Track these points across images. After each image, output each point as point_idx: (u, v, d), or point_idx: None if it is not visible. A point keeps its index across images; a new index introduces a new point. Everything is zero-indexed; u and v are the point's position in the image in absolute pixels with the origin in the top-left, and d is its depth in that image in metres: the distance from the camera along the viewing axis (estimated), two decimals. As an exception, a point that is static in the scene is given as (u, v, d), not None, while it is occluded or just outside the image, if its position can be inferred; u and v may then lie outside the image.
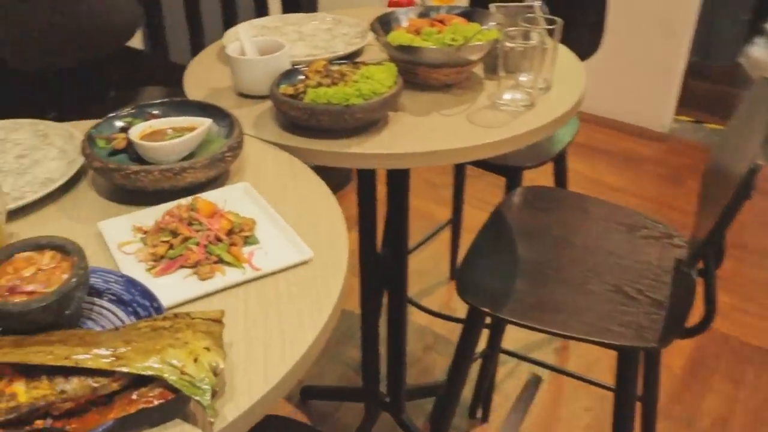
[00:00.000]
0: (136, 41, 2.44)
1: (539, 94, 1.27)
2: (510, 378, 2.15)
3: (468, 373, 1.51)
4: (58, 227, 0.94)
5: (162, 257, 0.86)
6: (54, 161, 1.07)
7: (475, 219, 2.02)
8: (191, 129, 1.03)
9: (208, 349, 0.68)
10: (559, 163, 1.97)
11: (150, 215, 0.93)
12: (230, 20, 2.54)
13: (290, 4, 2.48)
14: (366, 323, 1.89)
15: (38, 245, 0.76)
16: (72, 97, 2.15)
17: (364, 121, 1.14)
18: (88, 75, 2.18)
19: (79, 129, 1.13)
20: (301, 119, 1.13)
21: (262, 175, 1.06)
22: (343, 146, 1.12)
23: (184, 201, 0.94)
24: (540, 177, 2.13)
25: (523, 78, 1.25)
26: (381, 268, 1.78)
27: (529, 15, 1.29)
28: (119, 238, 0.90)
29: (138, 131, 1.01)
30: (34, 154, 1.09)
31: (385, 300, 1.85)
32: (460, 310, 2.38)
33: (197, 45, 2.51)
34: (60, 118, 2.09)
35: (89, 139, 1.02)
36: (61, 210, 0.98)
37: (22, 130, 1.15)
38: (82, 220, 0.96)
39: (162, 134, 1.02)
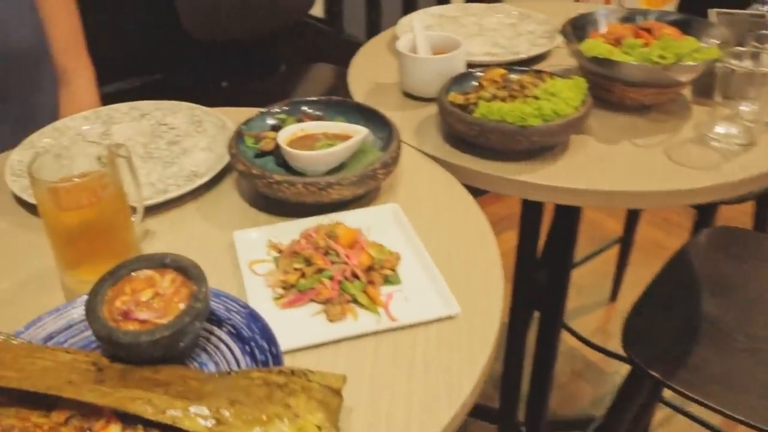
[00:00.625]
0: (317, 10, 2.40)
1: (763, 131, 1.04)
2: (664, 427, 1.92)
3: (621, 433, 1.32)
4: (194, 230, 0.88)
5: (292, 286, 0.77)
6: (203, 152, 1.02)
7: (650, 238, 1.78)
8: (345, 137, 0.92)
9: (320, 429, 0.57)
10: (764, 202, 1.67)
11: (288, 231, 0.84)
12: (409, 4, 2.42)
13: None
14: (512, 339, 1.73)
15: (162, 264, 0.69)
16: (246, 68, 2.15)
17: (541, 144, 0.98)
18: (263, 47, 2.17)
19: (233, 119, 1.07)
20: (468, 135, 0.99)
21: (415, 195, 0.94)
22: (512, 171, 0.97)
23: (326, 220, 0.84)
24: (738, 215, 1.84)
25: (744, 108, 1.03)
26: (537, 287, 1.61)
27: (762, 32, 1.05)
28: (252, 255, 0.82)
29: (288, 134, 0.93)
30: (185, 142, 1.05)
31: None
32: (617, 336, 2.15)
33: (373, 24, 2.42)
34: (231, 88, 2.11)
35: (238, 136, 0.95)
36: (200, 210, 0.92)
37: (179, 114, 1.11)
38: (219, 225, 0.89)
39: (313, 140, 0.93)
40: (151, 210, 0.90)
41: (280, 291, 0.77)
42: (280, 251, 0.82)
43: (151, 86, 1.97)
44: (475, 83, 1.09)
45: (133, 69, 1.92)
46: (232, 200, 0.93)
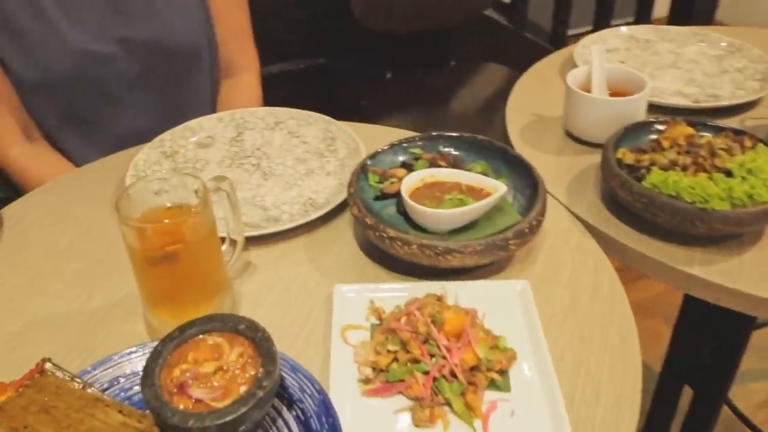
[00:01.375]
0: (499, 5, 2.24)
1: None
2: None
3: None
4: (296, 271, 0.80)
5: (381, 371, 0.66)
6: (327, 178, 0.93)
7: None
8: (479, 192, 0.79)
9: None
10: None
11: (394, 295, 0.74)
12: (604, 10, 2.18)
13: (682, 9, 2.02)
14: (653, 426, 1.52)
15: (235, 329, 0.61)
16: (413, 60, 2.05)
17: (723, 232, 0.79)
18: (434, 39, 2.05)
19: (369, 140, 0.97)
20: (632, 205, 0.82)
21: (553, 271, 0.79)
22: (681, 259, 0.79)
23: (439, 289, 0.73)
24: None
25: None
26: (695, 362, 1.39)
27: None
28: (348, 317, 0.72)
29: (416, 180, 0.81)
30: (312, 162, 0.96)
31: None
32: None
33: (561, 27, 2.21)
34: (395, 80, 2.01)
35: (361, 170, 0.85)
36: (308, 247, 0.83)
37: (313, 127, 1.03)
38: (324, 269, 0.80)
39: (443, 189, 0.81)
40: (257, 239, 0.83)
41: (368, 372, 0.66)
42: (380, 318, 0.72)
43: (314, 69, 1.93)
44: (653, 138, 0.91)
45: (298, 51, 1.88)
46: (344, 241, 0.84)
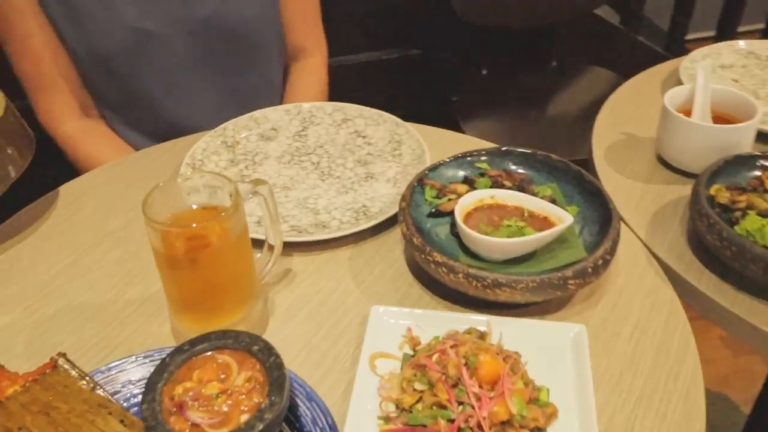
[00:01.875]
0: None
1: None
2: None
3: None
4: (335, 284, 0.75)
5: (404, 410, 0.60)
6: (387, 185, 0.87)
7: None
8: (542, 221, 0.71)
9: None
10: None
11: (434, 324, 0.67)
12: (731, 13, 1.99)
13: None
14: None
15: (248, 349, 0.57)
16: (512, 58, 1.95)
17: (827, 296, 0.67)
18: (536, 37, 1.94)
19: (436, 147, 0.90)
20: (721, 252, 0.72)
21: (618, 316, 0.70)
22: (770, 321, 0.69)
23: (483, 325, 0.66)
24: None
25: None
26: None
27: None
28: (380, 344, 0.66)
29: (473, 200, 0.74)
30: (375, 165, 0.91)
31: None
32: None
33: (677, 36, 2.04)
34: (489, 78, 1.92)
35: (419, 183, 0.78)
36: (353, 259, 0.78)
37: (381, 128, 0.97)
38: (365, 286, 0.74)
39: (502, 213, 0.73)
40: (301, 245, 0.79)
41: (391, 410, 0.61)
42: (415, 348, 0.66)
43: (408, 60, 1.87)
44: (755, 175, 0.80)
45: (392, 40, 1.83)
46: (392, 257, 0.78)
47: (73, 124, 1.09)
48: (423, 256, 0.69)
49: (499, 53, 1.89)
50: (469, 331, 0.66)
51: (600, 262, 0.68)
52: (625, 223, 0.81)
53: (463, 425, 0.57)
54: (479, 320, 0.67)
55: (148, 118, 1.12)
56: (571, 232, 0.74)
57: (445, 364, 0.61)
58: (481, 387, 0.59)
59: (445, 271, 0.68)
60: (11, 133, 0.81)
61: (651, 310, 0.70)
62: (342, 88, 1.25)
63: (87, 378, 0.61)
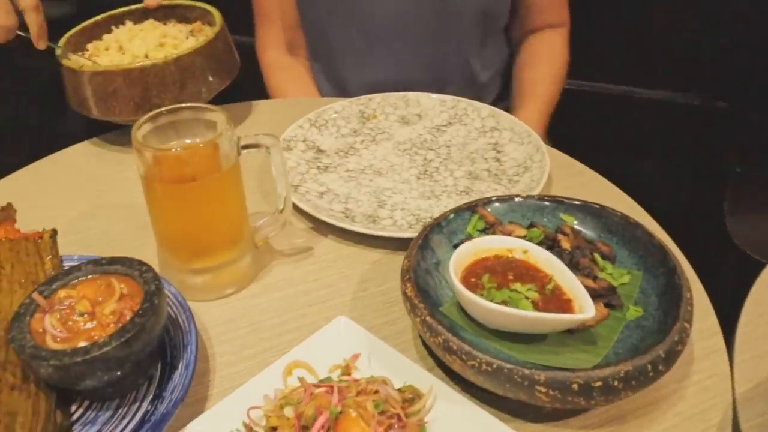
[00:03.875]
0: None
1: None
2: None
3: None
4: (331, 280, 0.67)
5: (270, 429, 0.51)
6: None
7: None
8: (565, 302, 0.54)
9: None
10: None
11: (386, 364, 0.56)
12: None
13: None
14: None
15: (141, 278, 0.54)
16: None
17: None
18: None
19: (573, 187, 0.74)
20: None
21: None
22: None
23: (419, 388, 0.53)
24: None
25: None
26: None
27: None
28: (315, 353, 0.57)
29: (499, 245, 0.59)
30: (481, 184, 0.78)
31: None
32: None
33: None
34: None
35: (471, 209, 0.65)
36: (372, 265, 0.69)
37: (522, 148, 0.83)
38: (360, 296, 0.65)
39: (525, 272, 0.57)
40: (335, 230, 0.72)
41: (256, 423, 0.52)
42: (341, 377, 0.56)
43: (688, 106, 1.56)
44: None
45: (678, 81, 1.55)
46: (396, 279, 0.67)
47: (275, 54, 1.15)
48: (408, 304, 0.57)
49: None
50: (401, 389, 0.53)
51: (646, 377, 0.49)
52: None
53: (288, 474, 0.47)
54: (435, 384, 0.54)
55: (335, 68, 1.13)
56: (608, 334, 0.54)
57: (316, 403, 0.50)
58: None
59: (417, 321, 0.55)
60: (214, 59, 0.87)
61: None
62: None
63: (51, 259, 0.64)
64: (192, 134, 0.63)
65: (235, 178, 0.63)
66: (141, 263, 0.56)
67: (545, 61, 1.13)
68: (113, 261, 0.57)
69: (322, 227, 0.74)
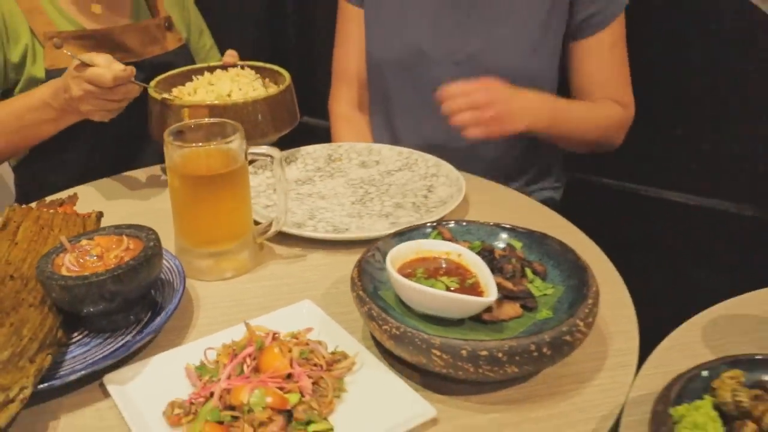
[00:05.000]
0: None
1: None
2: None
3: None
4: (309, 279, 0.78)
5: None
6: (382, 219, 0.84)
7: None
8: (479, 292, 0.62)
9: None
10: None
11: (332, 337, 0.66)
12: None
13: None
14: None
15: (147, 243, 0.68)
16: None
17: None
18: None
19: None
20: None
21: None
22: None
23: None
24: None
25: None
26: None
27: None
28: (275, 324, 0.68)
29: (439, 249, 0.68)
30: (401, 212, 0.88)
31: None
32: None
33: None
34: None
35: (432, 227, 0.75)
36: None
37: (451, 188, 0.92)
38: (332, 288, 0.76)
39: (455, 271, 0.66)
40: (333, 244, 0.84)
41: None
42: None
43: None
44: None
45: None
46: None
47: (345, 108, 1.31)
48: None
49: None
50: (333, 352, 0.63)
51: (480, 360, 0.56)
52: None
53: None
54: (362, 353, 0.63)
55: (393, 127, 1.25)
56: (515, 327, 0.62)
57: (250, 337, 0.61)
58: (257, 371, 0.58)
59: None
60: (277, 109, 1.02)
61: None
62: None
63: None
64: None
65: (242, 180, 0.78)
66: (150, 230, 0.71)
67: (596, 103, 1.18)
68: (129, 226, 0.72)
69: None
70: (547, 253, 0.72)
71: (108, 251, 0.68)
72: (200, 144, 0.76)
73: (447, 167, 1.01)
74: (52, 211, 0.82)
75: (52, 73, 1.07)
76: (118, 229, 0.72)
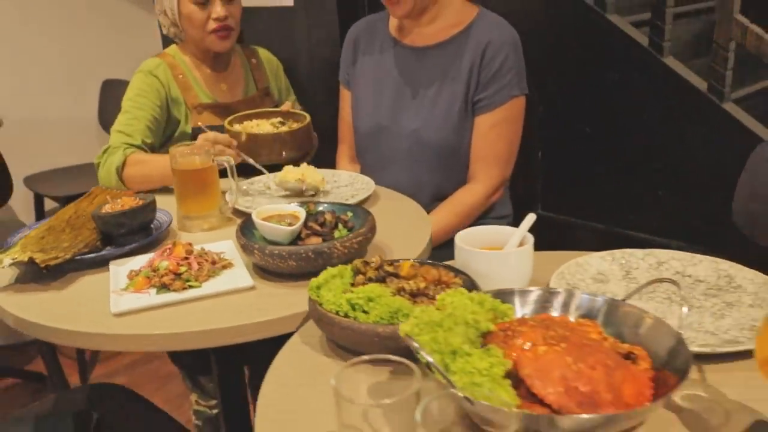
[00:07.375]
0: None
1: None
2: None
3: None
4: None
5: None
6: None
7: None
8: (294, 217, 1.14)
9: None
10: None
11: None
12: None
13: None
14: None
15: (146, 199, 1.27)
16: None
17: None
18: None
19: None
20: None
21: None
22: None
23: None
24: None
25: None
26: None
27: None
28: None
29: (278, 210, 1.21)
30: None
31: None
32: None
33: None
34: None
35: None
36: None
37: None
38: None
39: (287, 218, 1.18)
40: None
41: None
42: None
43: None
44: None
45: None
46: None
47: (344, 162, 1.84)
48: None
49: None
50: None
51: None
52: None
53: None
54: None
55: (369, 172, 1.67)
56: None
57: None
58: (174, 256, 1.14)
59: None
60: (296, 141, 1.60)
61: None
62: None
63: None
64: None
65: (211, 174, 1.36)
66: (152, 198, 1.30)
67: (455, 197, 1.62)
68: (145, 197, 1.31)
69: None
70: (356, 213, 1.21)
71: (127, 204, 1.28)
72: (182, 149, 1.37)
73: (366, 179, 1.54)
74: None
75: (195, 130, 1.70)
76: (140, 195, 1.32)
